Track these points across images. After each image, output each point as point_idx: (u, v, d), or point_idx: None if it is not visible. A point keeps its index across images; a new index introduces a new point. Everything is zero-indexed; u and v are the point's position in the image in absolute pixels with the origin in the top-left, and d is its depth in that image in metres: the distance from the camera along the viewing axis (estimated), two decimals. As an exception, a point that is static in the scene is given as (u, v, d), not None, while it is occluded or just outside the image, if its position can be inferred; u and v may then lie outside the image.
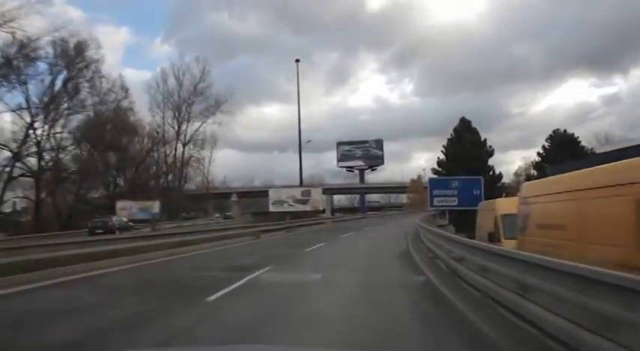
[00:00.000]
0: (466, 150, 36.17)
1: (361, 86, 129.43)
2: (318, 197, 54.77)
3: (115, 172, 53.98)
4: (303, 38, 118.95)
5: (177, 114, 66.57)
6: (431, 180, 30.24)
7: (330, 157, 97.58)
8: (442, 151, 42.82)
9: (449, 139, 41.57)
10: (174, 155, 64.36)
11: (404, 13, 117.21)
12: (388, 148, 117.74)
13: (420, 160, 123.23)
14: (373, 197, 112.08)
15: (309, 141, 63.28)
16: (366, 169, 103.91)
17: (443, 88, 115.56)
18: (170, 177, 63.95)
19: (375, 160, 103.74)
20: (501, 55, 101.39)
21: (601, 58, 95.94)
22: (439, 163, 42.83)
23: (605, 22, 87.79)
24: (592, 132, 62.21)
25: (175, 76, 66.43)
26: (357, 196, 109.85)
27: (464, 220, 26.84)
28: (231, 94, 68.73)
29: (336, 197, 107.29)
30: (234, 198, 70.01)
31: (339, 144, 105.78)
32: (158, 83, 66.90)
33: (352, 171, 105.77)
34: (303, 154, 53.72)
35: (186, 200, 68.43)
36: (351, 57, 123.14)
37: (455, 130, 41.49)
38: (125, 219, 38.49)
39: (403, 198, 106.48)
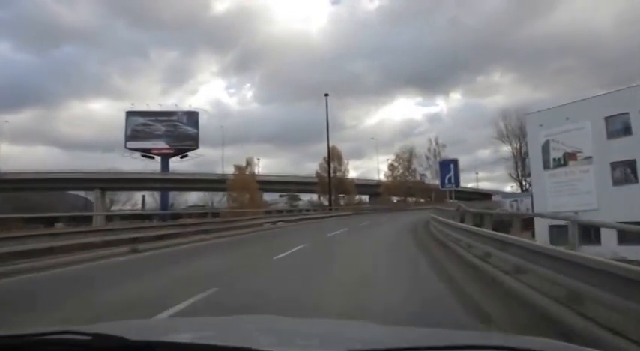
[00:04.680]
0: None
1: (200, 89, 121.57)
2: None
3: None
4: (139, 33, 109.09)
5: None
6: None
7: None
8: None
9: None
10: None
11: (248, 19, 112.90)
12: (219, 153, 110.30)
13: (255, 167, 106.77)
14: (192, 198, 77.52)
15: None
16: (172, 155, 69.61)
17: (283, 95, 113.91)
18: None
19: (185, 142, 70.05)
20: (339, 69, 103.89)
21: (427, 81, 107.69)
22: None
23: (433, 49, 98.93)
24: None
25: None
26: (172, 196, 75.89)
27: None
28: None
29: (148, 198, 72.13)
30: None
31: (130, 114, 69.80)
32: None
33: (151, 157, 70.59)
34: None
35: None
36: (190, 58, 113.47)
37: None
38: None
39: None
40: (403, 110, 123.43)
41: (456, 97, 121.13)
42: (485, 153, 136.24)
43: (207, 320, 2.96)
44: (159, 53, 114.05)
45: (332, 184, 48.99)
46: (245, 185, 49.36)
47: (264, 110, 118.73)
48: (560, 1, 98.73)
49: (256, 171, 63.23)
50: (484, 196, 79.43)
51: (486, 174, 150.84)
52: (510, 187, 75.44)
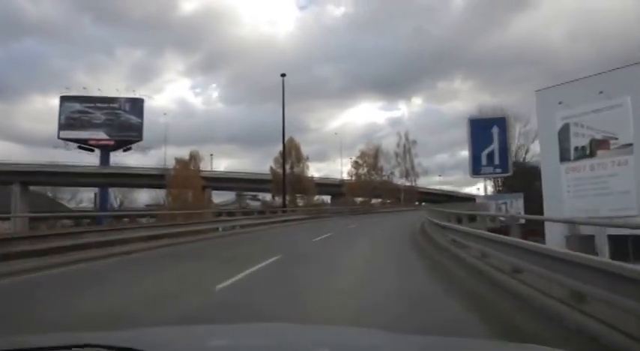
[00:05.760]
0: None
1: (165, 87, 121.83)
2: None
3: None
4: (105, 30, 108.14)
5: None
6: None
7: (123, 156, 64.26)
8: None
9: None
10: None
11: (215, 20, 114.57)
12: (182, 152, 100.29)
13: (219, 167, 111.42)
14: (144, 197, 69.63)
15: None
16: (113, 147, 62.12)
17: (248, 97, 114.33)
18: None
19: (128, 133, 62.91)
20: (305, 73, 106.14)
21: (390, 86, 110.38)
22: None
23: (397, 56, 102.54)
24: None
25: None
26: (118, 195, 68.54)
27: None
28: None
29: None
30: None
31: (65, 99, 62.05)
32: None
33: (91, 150, 62.81)
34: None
35: None
36: (157, 56, 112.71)
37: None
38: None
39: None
40: (366, 114, 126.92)
41: (418, 102, 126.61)
42: (443, 157, 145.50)
43: (217, 328, 2.83)
44: (125, 50, 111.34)
45: (289, 181, 42.54)
46: (187, 182, 42.40)
47: (229, 111, 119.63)
48: (518, 15, 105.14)
49: (210, 168, 56.65)
50: (450, 197, 74.86)
51: (444, 178, 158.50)
52: (477, 189, 71.38)
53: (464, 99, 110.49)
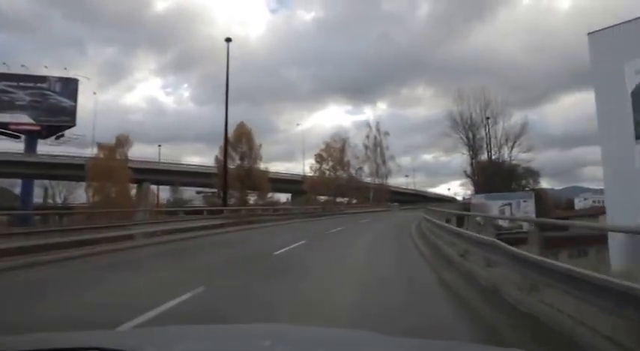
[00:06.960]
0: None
1: (136, 86, 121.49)
2: None
3: None
4: (77, 27, 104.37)
5: None
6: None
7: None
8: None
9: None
10: None
11: (188, 21, 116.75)
12: (151, 150, 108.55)
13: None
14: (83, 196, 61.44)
15: None
16: (40, 133, 53.80)
17: (219, 97, 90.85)
18: None
19: (58, 117, 54.71)
20: (275, 75, 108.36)
21: (357, 91, 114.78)
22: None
23: (363, 61, 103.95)
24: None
25: None
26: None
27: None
28: None
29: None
30: None
31: (-18, 76, 53.06)
32: None
33: (16, 136, 54.22)
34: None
35: None
36: (128, 55, 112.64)
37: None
38: None
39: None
40: (334, 117, 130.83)
41: (383, 107, 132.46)
42: (406, 160, 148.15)
43: (215, 328, 2.80)
44: (96, 48, 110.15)
45: (236, 175, 35.24)
46: (112, 173, 34.56)
47: (200, 110, 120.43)
48: (477, 27, 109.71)
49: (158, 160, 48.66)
50: (424, 197, 69.44)
51: (408, 180, 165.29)
52: (448, 189, 66.05)
53: (426, 105, 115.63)
